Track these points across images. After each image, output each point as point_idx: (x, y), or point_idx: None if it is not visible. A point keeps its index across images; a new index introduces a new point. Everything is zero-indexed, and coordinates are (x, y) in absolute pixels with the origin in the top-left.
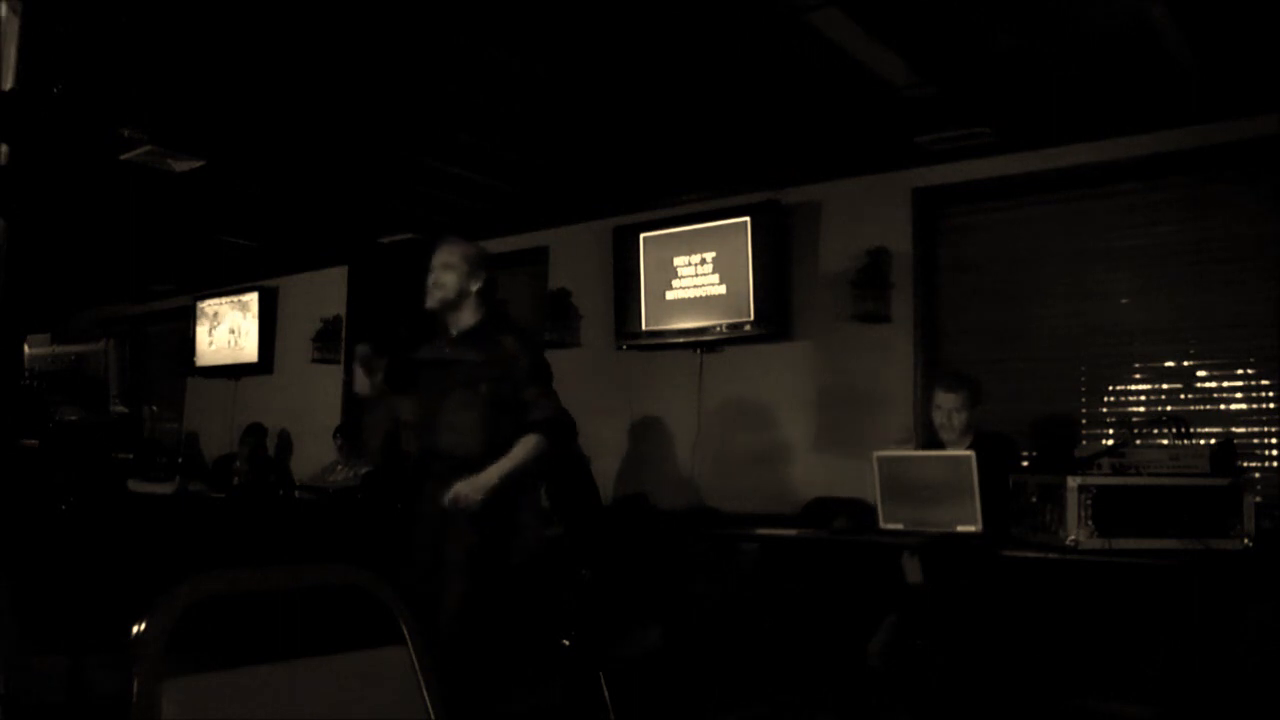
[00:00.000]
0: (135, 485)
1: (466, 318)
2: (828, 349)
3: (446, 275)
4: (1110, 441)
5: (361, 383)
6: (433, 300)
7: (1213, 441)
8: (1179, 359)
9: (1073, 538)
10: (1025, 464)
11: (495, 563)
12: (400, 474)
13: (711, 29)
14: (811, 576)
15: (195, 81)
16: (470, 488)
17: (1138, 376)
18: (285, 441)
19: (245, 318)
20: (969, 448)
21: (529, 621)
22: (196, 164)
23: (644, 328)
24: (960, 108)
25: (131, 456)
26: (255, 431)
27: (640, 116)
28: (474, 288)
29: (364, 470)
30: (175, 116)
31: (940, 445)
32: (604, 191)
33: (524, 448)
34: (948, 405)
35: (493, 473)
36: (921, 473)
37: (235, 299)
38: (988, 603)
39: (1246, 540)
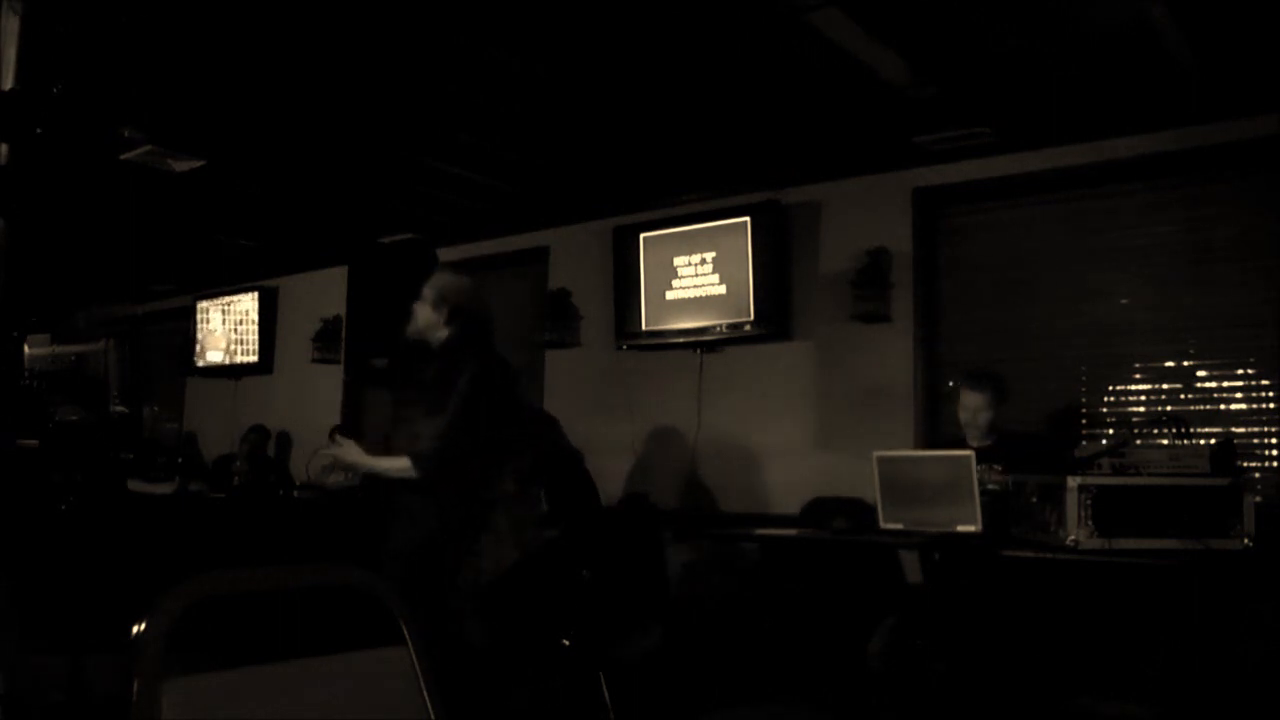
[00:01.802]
0: (135, 485)
1: (440, 335)
2: (828, 349)
3: (419, 307)
4: (1110, 441)
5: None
6: (409, 329)
7: (1213, 441)
8: (1179, 359)
9: (1073, 538)
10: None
11: (442, 587)
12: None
13: (711, 29)
14: (811, 576)
15: (195, 81)
16: (339, 451)
17: (1138, 376)
18: (285, 442)
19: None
20: (994, 447)
21: (528, 621)
22: (196, 164)
23: (644, 328)
24: (960, 108)
25: (131, 456)
26: (256, 431)
27: (640, 116)
28: (441, 320)
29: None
30: (175, 116)
31: (964, 445)
32: (604, 191)
33: (391, 461)
34: (973, 404)
35: (364, 460)
36: (921, 473)
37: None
38: (988, 603)
39: (1246, 540)
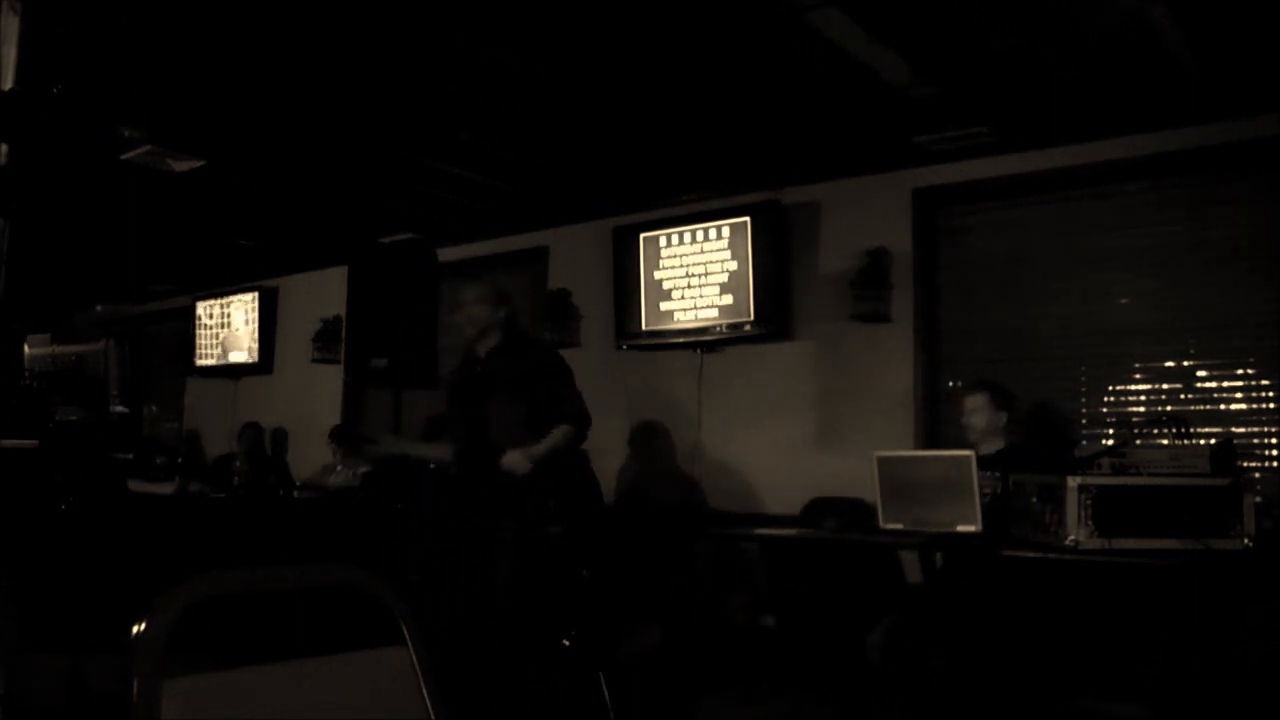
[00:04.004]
0: (135, 485)
1: (492, 340)
2: (828, 349)
3: (477, 309)
4: (1110, 441)
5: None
6: (469, 331)
7: (1213, 441)
8: (1179, 359)
9: (1073, 538)
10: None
11: (536, 548)
12: (399, 474)
13: (711, 29)
14: (811, 576)
15: (195, 81)
16: (521, 455)
17: (1138, 376)
18: (282, 441)
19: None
20: (996, 455)
21: (529, 621)
22: (196, 164)
23: (644, 328)
24: (960, 108)
25: (131, 456)
26: (251, 428)
27: (640, 116)
28: (500, 315)
29: (363, 470)
30: (175, 116)
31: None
32: (604, 191)
33: (560, 434)
34: (969, 407)
35: (538, 449)
36: (921, 473)
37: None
38: (988, 602)
39: (1246, 540)
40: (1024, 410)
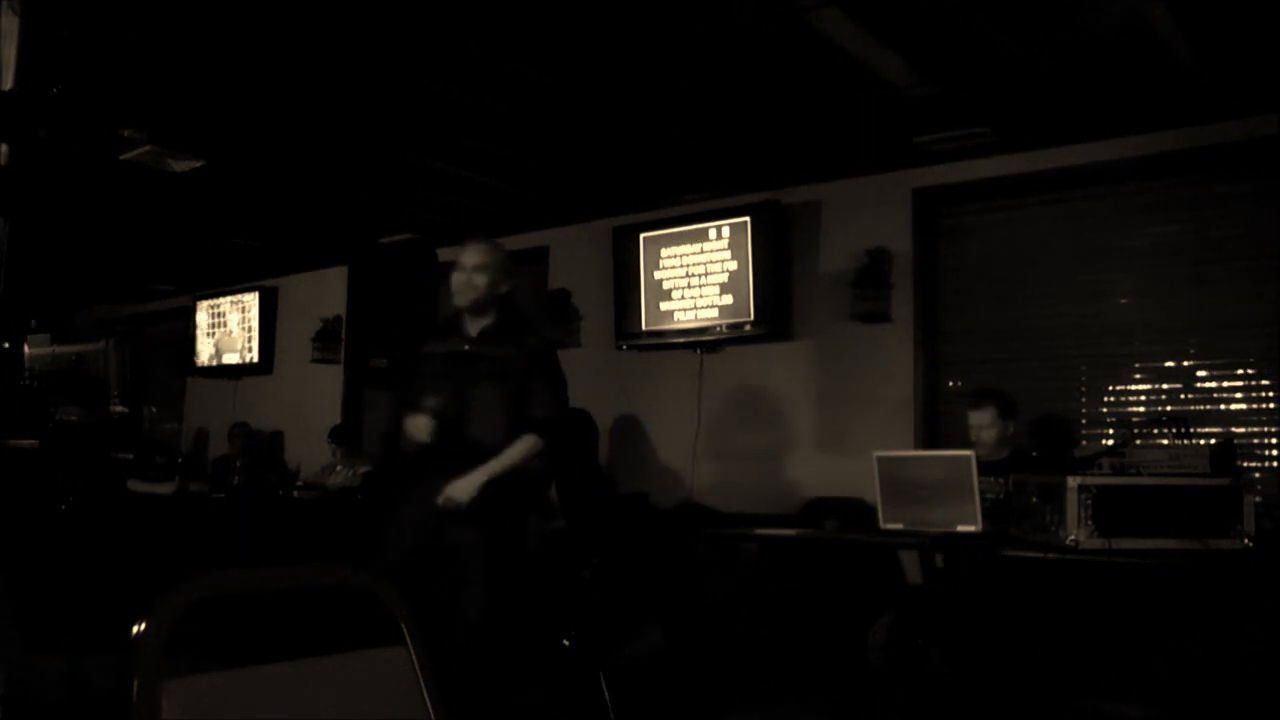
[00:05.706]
0: (135, 485)
1: (488, 317)
2: (828, 349)
3: (479, 276)
4: (1110, 441)
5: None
6: (464, 300)
7: (1213, 441)
8: (1179, 359)
9: (1073, 538)
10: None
11: (513, 555)
12: (400, 474)
13: (711, 30)
14: (811, 576)
15: (195, 81)
16: (458, 490)
17: (1138, 376)
18: (279, 441)
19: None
20: (1002, 461)
21: (530, 621)
22: (196, 164)
23: (644, 328)
24: (960, 108)
25: (131, 456)
26: (240, 426)
27: (640, 117)
28: (503, 290)
29: (364, 470)
30: (175, 116)
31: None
32: (604, 191)
33: (518, 447)
34: (976, 422)
35: (481, 474)
36: (921, 473)
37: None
38: (988, 602)
39: (1246, 540)
40: (1027, 418)
